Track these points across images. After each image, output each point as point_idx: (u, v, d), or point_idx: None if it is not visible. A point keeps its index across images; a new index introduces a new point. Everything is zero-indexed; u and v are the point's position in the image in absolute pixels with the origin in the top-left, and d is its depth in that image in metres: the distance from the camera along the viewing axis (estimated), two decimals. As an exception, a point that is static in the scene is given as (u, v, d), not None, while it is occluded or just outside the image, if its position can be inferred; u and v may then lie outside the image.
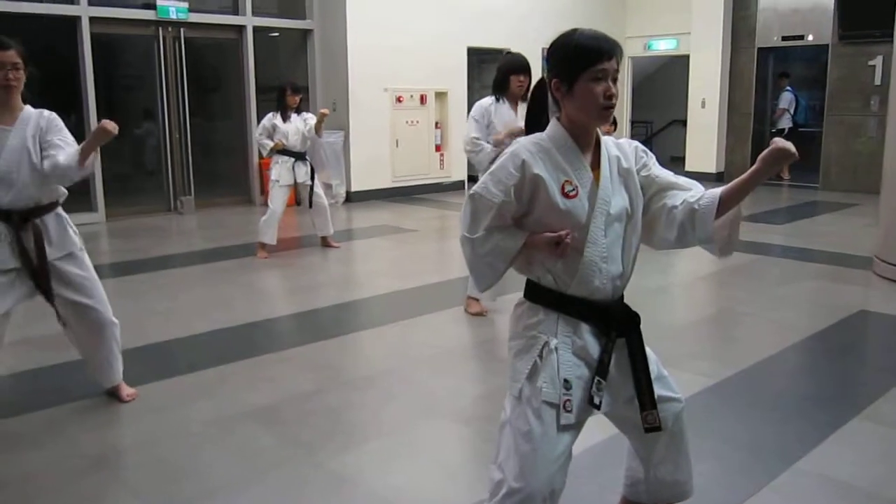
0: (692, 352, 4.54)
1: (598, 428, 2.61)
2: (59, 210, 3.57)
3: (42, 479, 3.07)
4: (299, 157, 7.36)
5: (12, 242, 3.39)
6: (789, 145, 1.93)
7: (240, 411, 3.70)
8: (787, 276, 6.57)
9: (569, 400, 2.06)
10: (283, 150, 7.31)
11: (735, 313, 5.51)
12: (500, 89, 5.00)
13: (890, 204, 6.42)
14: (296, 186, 7.46)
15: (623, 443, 2.52)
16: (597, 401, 2.08)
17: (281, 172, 7.31)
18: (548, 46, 2.15)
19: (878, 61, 11.14)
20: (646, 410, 2.14)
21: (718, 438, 3.33)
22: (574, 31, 2.08)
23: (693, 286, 6.38)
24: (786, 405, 3.76)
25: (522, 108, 4.85)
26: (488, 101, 5.05)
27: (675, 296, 6.11)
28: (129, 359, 3.94)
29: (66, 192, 3.60)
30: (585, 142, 2.10)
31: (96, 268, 3.73)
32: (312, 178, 7.44)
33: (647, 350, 2.19)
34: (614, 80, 2.03)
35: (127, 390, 3.85)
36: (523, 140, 2.10)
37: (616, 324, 2.13)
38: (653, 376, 2.17)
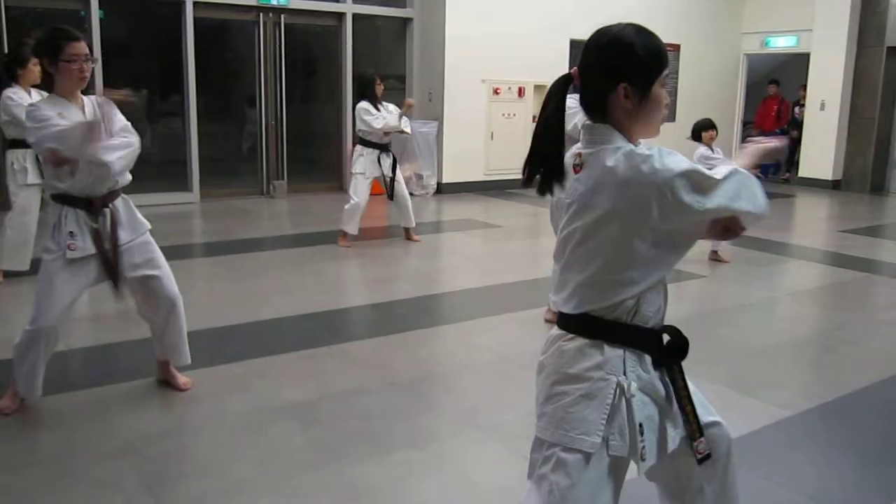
0: (770, 378, 4.13)
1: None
2: (124, 194, 3.57)
3: (68, 460, 3.06)
4: (383, 148, 7.27)
5: (93, 228, 3.39)
6: None
7: (276, 406, 3.61)
8: (896, 299, 5.99)
9: (644, 446, 1.82)
10: (369, 142, 7.22)
11: (830, 338, 5.01)
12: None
13: None
14: (382, 178, 7.35)
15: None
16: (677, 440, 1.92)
17: (366, 165, 7.23)
18: (604, 44, 1.83)
19: None
20: (695, 439, 1.90)
21: (787, 481, 2.97)
22: (629, 27, 1.83)
23: (788, 303, 5.89)
24: (873, 448, 3.34)
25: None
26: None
27: (766, 312, 5.65)
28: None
29: (130, 176, 3.57)
30: None
31: (179, 247, 3.70)
32: (394, 171, 7.32)
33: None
34: None
35: (182, 378, 3.81)
36: (653, 147, 1.79)
37: (669, 350, 1.88)
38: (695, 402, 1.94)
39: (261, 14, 9.76)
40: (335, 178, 10.88)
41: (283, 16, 9.89)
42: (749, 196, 1.79)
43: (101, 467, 3.01)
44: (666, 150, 1.75)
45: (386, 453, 3.19)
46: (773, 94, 13.20)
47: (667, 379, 1.89)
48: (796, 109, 12.99)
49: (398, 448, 3.25)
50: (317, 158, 11.15)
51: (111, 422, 3.40)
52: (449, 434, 3.40)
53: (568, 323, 1.89)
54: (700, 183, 1.72)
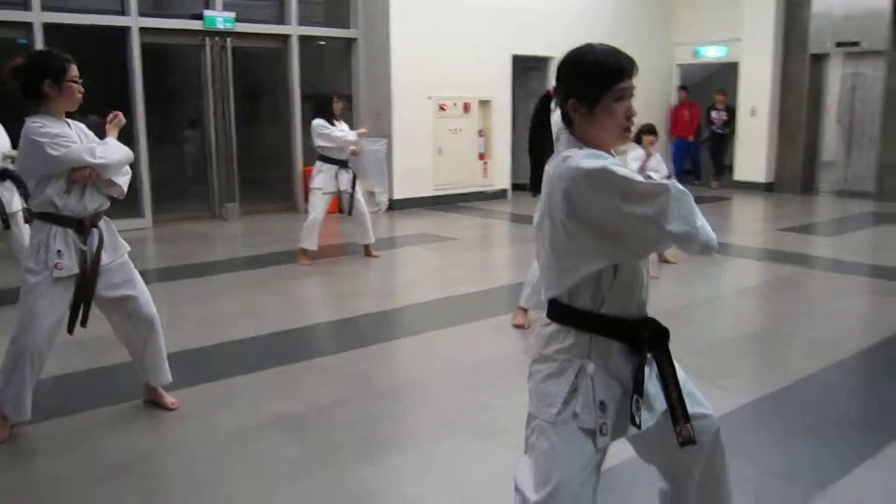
0: (728, 369, 4.42)
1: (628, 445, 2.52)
2: (106, 216, 3.66)
3: (64, 484, 3.13)
4: (342, 164, 7.41)
5: (80, 249, 3.47)
6: None
7: (264, 421, 3.72)
8: (834, 291, 6.38)
9: (605, 423, 2.00)
10: (328, 158, 7.36)
11: (776, 330, 5.35)
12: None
13: (944, 217, 6.18)
14: (339, 194, 7.49)
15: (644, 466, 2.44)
16: (638, 420, 2.03)
17: (325, 180, 7.36)
18: (560, 63, 2.08)
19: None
20: (679, 424, 2.07)
21: (749, 459, 3.22)
22: (591, 47, 2.03)
23: (735, 300, 6.23)
24: (823, 427, 3.63)
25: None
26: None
27: (715, 310, 5.97)
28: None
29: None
30: None
31: (139, 273, 3.79)
32: (353, 186, 7.48)
33: (676, 364, 2.12)
34: (631, 97, 2.00)
35: (170, 398, 3.89)
36: (583, 150, 1.97)
37: (647, 339, 2.06)
38: (683, 392, 2.11)
39: (207, 38, 9.80)
40: (286, 198, 10.94)
41: (229, 39, 9.95)
42: (683, 217, 1.86)
43: (99, 489, 3.08)
44: (594, 152, 1.94)
45: (378, 458, 3.35)
46: (683, 101, 13.68)
47: (647, 365, 2.05)
48: (713, 113, 13.48)
49: (389, 452, 3.42)
50: (267, 180, 11.20)
51: (103, 444, 3.47)
52: (436, 436, 3.56)
53: (547, 309, 2.11)
54: (619, 185, 1.86)
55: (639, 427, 2.04)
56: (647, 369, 2.06)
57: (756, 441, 3.46)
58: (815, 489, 3.00)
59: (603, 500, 2.12)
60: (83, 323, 3.60)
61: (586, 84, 1.98)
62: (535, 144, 2.16)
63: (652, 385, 2.08)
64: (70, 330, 3.59)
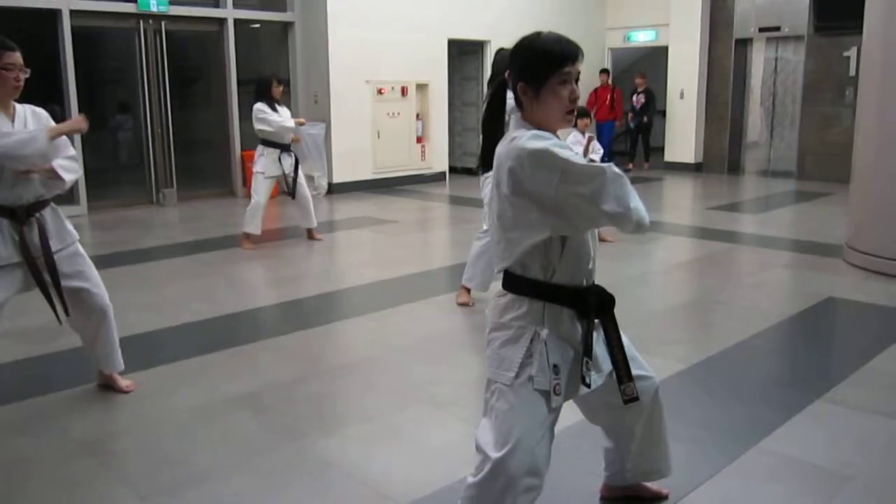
0: (665, 338, 4.68)
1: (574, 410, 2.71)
2: (52, 204, 3.63)
3: (31, 465, 3.15)
4: (285, 148, 7.44)
5: (15, 238, 3.44)
6: None
7: (224, 399, 3.79)
8: (760, 265, 6.73)
9: (558, 384, 2.17)
10: (270, 142, 7.38)
11: (708, 301, 5.65)
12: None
13: (860, 193, 6.58)
14: (282, 178, 7.52)
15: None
16: (588, 380, 2.21)
17: (267, 164, 7.39)
18: (511, 49, 2.23)
19: (852, 52, 11.32)
20: (623, 383, 2.27)
21: (686, 420, 3.45)
22: (538, 34, 2.19)
23: (669, 274, 6.53)
24: (753, 389, 3.90)
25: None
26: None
27: (650, 283, 6.25)
28: (114, 349, 3.99)
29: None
30: None
31: None
32: (296, 170, 7.52)
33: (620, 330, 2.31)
34: (576, 82, 2.14)
35: (124, 381, 3.91)
36: (530, 132, 2.10)
37: (595, 306, 2.24)
38: (627, 354, 2.30)
39: (140, 21, 9.63)
40: (224, 183, 10.86)
41: (163, 22, 9.80)
42: (617, 198, 2.00)
43: (67, 468, 3.12)
44: (539, 133, 2.10)
45: (339, 431, 3.47)
46: (605, 84, 13.55)
47: (594, 330, 2.23)
48: (634, 97, 13.67)
49: (349, 425, 3.54)
50: (205, 165, 11.08)
51: (65, 427, 3.49)
52: (392, 408, 3.70)
53: (502, 281, 2.27)
54: (559, 166, 2.02)
55: (589, 386, 2.23)
56: (595, 333, 2.24)
57: (694, 402, 3.71)
58: (749, 444, 3.24)
59: (554, 457, 2.29)
60: (65, 310, 3.61)
61: (533, 68, 2.13)
62: (488, 127, 2.32)
63: (599, 348, 2.27)
64: (59, 319, 3.62)
